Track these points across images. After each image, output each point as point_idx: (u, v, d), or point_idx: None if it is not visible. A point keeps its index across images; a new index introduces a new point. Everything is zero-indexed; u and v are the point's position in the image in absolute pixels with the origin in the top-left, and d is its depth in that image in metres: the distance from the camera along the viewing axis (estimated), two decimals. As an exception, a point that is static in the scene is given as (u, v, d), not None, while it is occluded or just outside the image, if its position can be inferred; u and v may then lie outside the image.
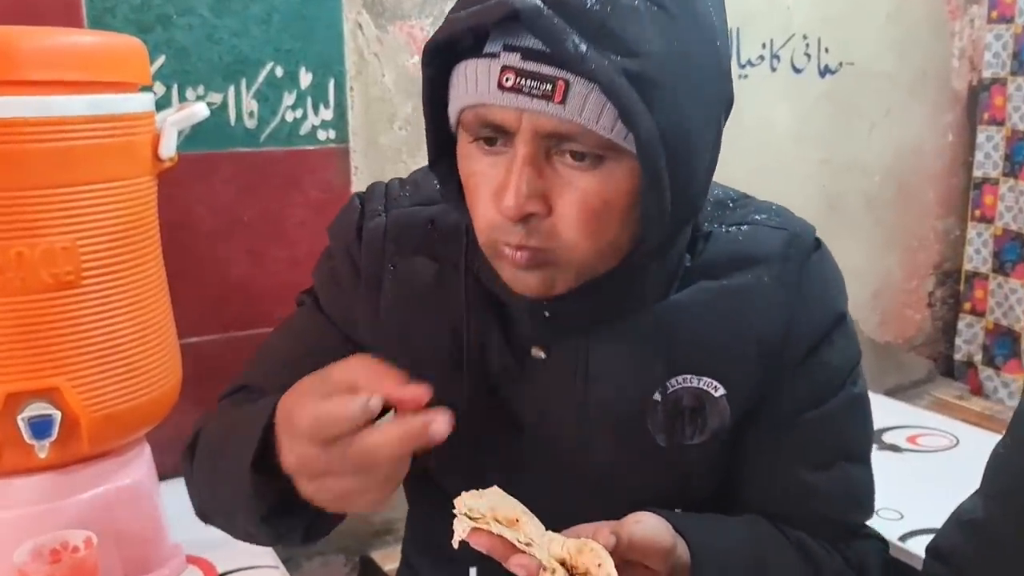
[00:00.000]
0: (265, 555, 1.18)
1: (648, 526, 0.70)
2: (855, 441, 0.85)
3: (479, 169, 0.71)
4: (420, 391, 0.62)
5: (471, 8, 0.66)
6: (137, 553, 1.09)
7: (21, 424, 0.96)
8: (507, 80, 0.66)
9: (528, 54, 0.65)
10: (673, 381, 0.79)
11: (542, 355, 0.80)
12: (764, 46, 1.91)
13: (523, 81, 0.65)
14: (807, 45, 1.98)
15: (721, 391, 0.79)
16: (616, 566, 0.65)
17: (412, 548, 1.02)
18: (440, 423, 0.61)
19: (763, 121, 1.95)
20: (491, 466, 0.79)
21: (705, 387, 0.79)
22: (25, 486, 1.01)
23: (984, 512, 0.72)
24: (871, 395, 0.87)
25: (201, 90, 1.32)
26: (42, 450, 0.98)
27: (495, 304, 0.81)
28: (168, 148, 1.07)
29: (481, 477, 0.72)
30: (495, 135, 0.69)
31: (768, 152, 1.96)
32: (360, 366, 0.63)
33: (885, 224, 2.16)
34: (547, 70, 0.65)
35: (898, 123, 2.11)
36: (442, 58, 0.70)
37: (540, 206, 0.68)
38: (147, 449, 1.15)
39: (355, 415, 0.60)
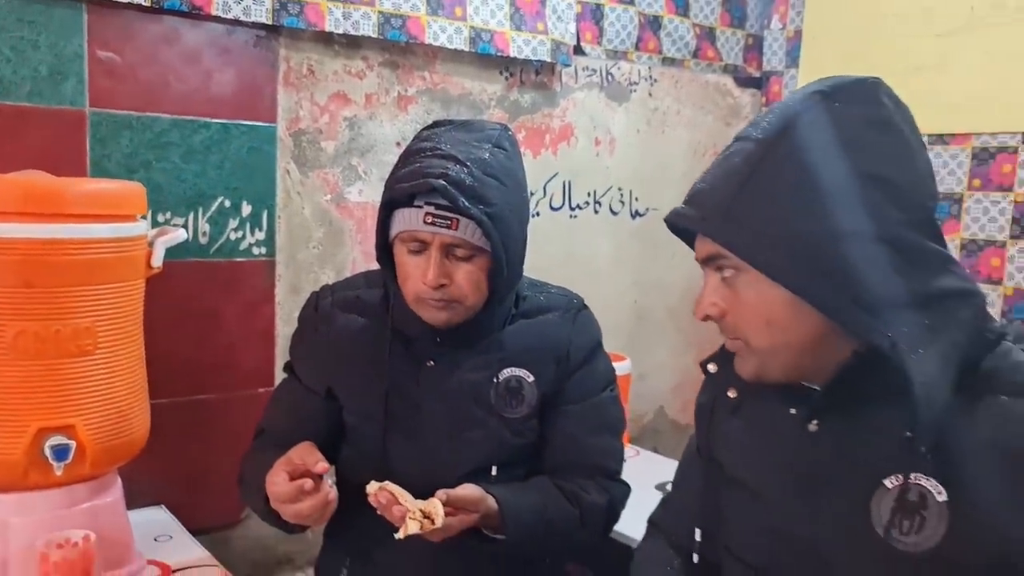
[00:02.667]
0: (203, 554, 1.58)
1: (466, 487, 1.21)
2: (614, 421, 1.43)
3: (411, 262, 1.28)
4: (325, 466, 1.21)
5: (409, 182, 1.24)
6: (114, 553, 1.47)
7: (47, 450, 1.35)
8: (428, 219, 1.24)
9: (439, 207, 1.23)
10: (504, 372, 1.34)
11: (432, 362, 1.35)
12: (589, 194, 2.43)
13: (436, 220, 1.23)
14: (622, 195, 2.50)
15: (532, 379, 1.35)
16: (450, 513, 1.14)
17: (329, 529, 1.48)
18: (333, 492, 1.21)
19: (588, 251, 2.45)
20: (399, 431, 1.33)
21: (523, 375, 1.34)
22: (43, 498, 1.39)
23: (672, 491, 1.24)
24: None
25: (169, 215, 1.76)
26: (59, 470, 1.37)
27: (403, 338, 1.35)
28: (158, 260, 1.51)
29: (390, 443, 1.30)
30: (420, 247, 1.26)
31: (592, 275, 2.44)
32: (301, 452, 1.24)
33: (684, 331, 2.66)
34: (448, 214, 1.22)
35: (692, 254, 2.69)
36: (386, 208, 1.27)
37: (446, 280, 1.25)
38: (118, 478, 1.54)
39: (293, 494, 1.18)
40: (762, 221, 0.87)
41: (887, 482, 0.88)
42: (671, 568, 1.12)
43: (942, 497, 0.84)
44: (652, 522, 1.23)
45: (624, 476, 1.46)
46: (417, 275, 1.26)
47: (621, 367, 2.20)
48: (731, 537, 1.04)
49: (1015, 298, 2.16)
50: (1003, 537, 0.82)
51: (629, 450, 2.32)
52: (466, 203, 1.20)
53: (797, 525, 0.95)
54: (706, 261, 0.96)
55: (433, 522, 1.15)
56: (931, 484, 0.85)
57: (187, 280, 1.80)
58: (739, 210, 0.88)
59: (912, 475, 0.86)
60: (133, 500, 1.57)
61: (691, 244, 1.01)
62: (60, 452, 1.37)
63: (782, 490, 0.98)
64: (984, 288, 2.21)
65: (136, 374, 1.50)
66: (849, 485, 0.91)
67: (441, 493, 1.17)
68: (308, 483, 1.19)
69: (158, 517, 1.74)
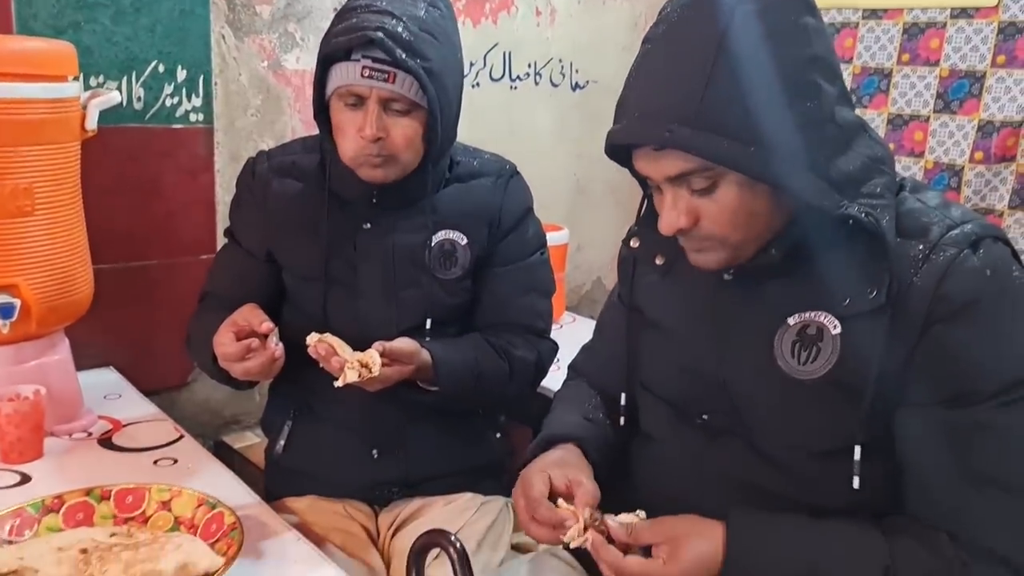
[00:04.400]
0: (153, 410, 1.65)
1: (401, 340, 1.27)
2: (544, 283, 1.50)
3: (347, 119, 1.30)
4: (270, 326, 1.26)
5: (345, 36, 1.25)
6: (64, 408, 1.53)
7: (-9, 309, 1.39)
8: (365, 72, 1.25)
9: (376, 59, 1.24)
10: (438, 234, 1.40)
11: (368, 225, 1.40)
12: (529, 65, 2.44)
13: (373, 73, 1.25)
14: (562, 66, 2.52)
15: (465, 240, 1.41)
16: (386, 364, 1.22)
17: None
18: (279, 349, 1.26)
19: (529, 123, 2.48)
20: (338, 292, 1.40)
21: (456, 238, 1.40)
22: (-9, 354, 1.44)
23: (593, 339, 1.33)
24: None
25: (101, 79, 1.74)
26: (5, 328, 1.40)
27: (339, 201, 1.40)
28: (92, 122, 1.51)
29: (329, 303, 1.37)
30: (357, 102, 1.28)
31: (532, 147, 2.46)
32: (245, 313, 1.28)
33: (622, 204, 2.72)
34: (385, 68, 1.24)
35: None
36: (322, 65, 1.28)
37: (383, 134, 1.27)
38: (66, 338, 1.58)
39: (240, 353, 1.23)
40: (735, 123, 0.87)
41: (790, 320, 0.97)
42: (590, 403, 1.22)
43: (836, 331, 0.94)
44: (572, 367, 1.32)
45: (561, 339, 1.55)
46: (354, 130, 1.29)
47: (559, 237, 2.28)
48: (649, 375, 1.13)
49: (934, 171, 2.26)
50: (880, 366, 0.92)
51: (567, 316, 2.43)
52: (403, 55, 1.23)
53: (708, 363, 1.04)
54: (673, 179, 0.93)
55: (371, 371, 1.22)
56: (828, 319, 0.95)
57: (124, 146, 1.79)
58: (709, 117, 0.87)
59: (812, 312, 0.95)
60: (82, 362, 1.62)
61: (624, 163, 1.00)
62: (5, 310, 1.40)
63: (696, 333, 1.06)
64: (906, 161, 2.31)
65: (76, 236, 1.52)
66: (755, 325, 1.00)
67: (378, 344, 1.24)
68: (255, 342, 1.25)
69: (108, 378, 1.79)
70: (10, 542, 1.13)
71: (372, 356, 1.22)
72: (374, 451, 1.44)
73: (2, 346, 1.44)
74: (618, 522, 0.95)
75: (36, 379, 1.45)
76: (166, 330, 1.86)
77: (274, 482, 1.53)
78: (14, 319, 1.41)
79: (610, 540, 0.95)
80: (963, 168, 2.20)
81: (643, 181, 1.03)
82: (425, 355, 1.30)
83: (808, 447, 0.96)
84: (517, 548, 1.48)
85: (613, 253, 1.23)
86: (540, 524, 0.99)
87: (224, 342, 1.26)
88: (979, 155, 2.17)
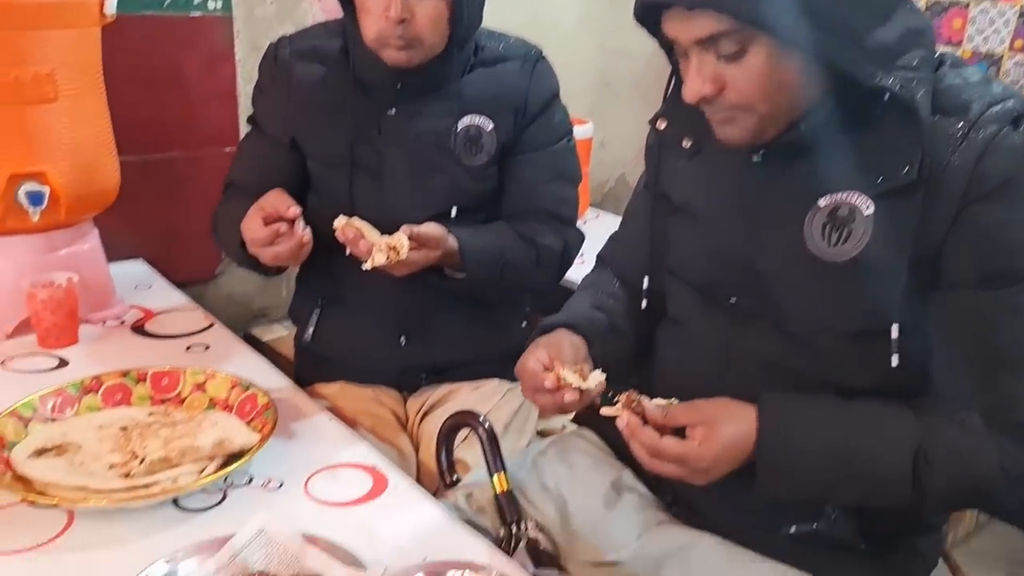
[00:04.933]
0: (183, 299, 1.67)
1: (428, 224, 1.27)
2: (570, 170, 1.49)
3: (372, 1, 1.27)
4: (297, 210, 1.26)
5: None
6: (97, 297, 1.56)
7: (22, 196, 1.40)
8: None
9: None
10: (463, 119, 1.38)
11: (392, 111, 1.38)
12: None
13: None
14: None
15: (491, 126, 1.39)
16: (413, 249, 1.22)
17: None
18: (308, 234, 1.26)
19: (553, 12, 2.42)
20: (364, 178, 1.40)
21: (482, 123, 1.39)
22: (23, 243, 1.45)
23: (620, 228, 1.32)
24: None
25: (118, -35, 1.70)
26: (35, 215, 1.42)
27: (363, 86, 1.38)
28: (111, 7, 1.48)
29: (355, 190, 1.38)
30: None
31: (556, 38, 2.35)
32: (272, 198, 1.27)
33: (648, 99, 2.65)
34: None
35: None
36: None
37: (408, 15, 1.25)
38: (95, 228, 1.59)
39: (269, 238, 1.24)
40: None
41: (821, 202, 0.95)
42: (605, 291, 1.22)
43: (869, 211, 0.92)
44: (600, 256, 1.32)
45: (584, 234, 1.54)
46: (379, 11, 1.26)
47: (583, 131, 2.24)
48: (675, 260, 1.13)
49: (972, 60, 2.19)
50: (913, 247, 0.91)
51: (590, 212, 2.42)
52: None
53: (737, 247, 1.03)
54: (703, 42, 0.90)
55: (399, 254, 1.22)
56: (860, 200, 0.93)
57: (144, 35, 1.77)
58: None
59: (844, 193, 0.94)
60: (112, 253, 1.64)
61: (652, 30, 0.97)
62: (34, 198, 1.41)
63: (725, 216, 1.05)
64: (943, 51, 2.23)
65: (101, 124, 1.52)
66: (785, 208, 0.99)
67: (405, 228, 1.24)
68: (283, 227, 1.26)
69: (138, 269, 1.81)
70: (53, 420, 1.16)
71: (400, 239, 1.22)
72: (402, 338, 1.46)
73: (33, 234, 1.46)
74: (654, 404, 0.96)
75: (68, 267, 1.47)
76: (192, 223, 1.87)
77: (304, 369, 1.56)
78: (43, 207, 1.42)
79: (644, 423, 0.96)
80: (1002, 57, 2.13)
81: (670, 53, 1.01)
82: (452, 240, 1.30)
83: (838, 329, 0.96)
84: (542, 434, 1.51)
85: (638, 149, 1.20)
86: (538, 391, 1.02)
87: (253, 227, 1.27)
88: (1019, 43, 2.10)
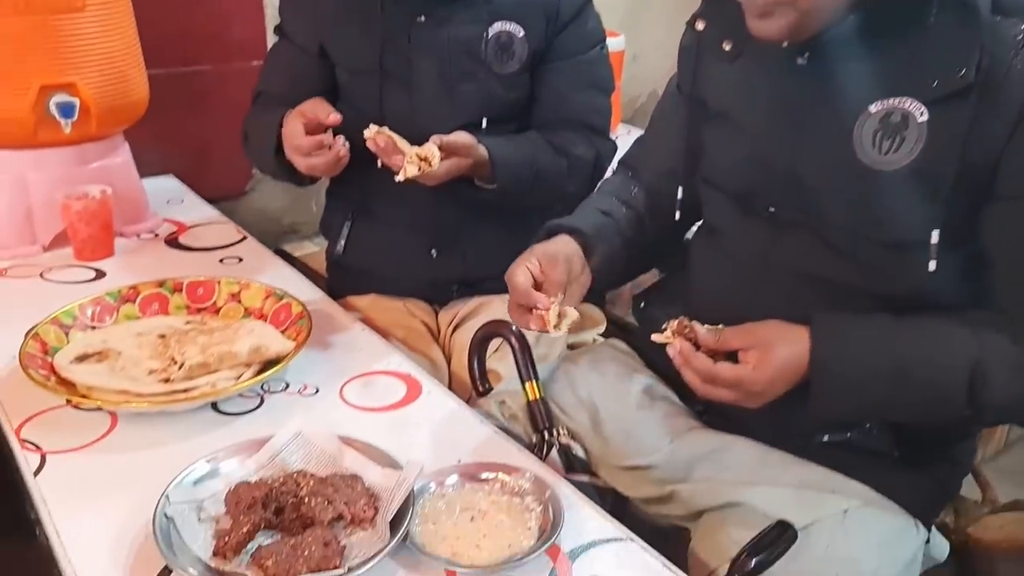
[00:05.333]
0: (215, 213, 1.68)
1: (458, 133, 1.25)
2: (603, 79, 1.45)
3: None
4: (337, 117, 1.25)
5: None
6: (130, 210, 1.57)
7: (53, 108, 1.40)
8: None
9: None
10: (494, 26, 1.35)
11: (422, 18, 1.35)
12: None
13: None
14: None
15: (522, 33, 1.36)
16: (444, 158, 1.21)
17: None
18: (345, 148, 1.26)
19: None
20: (393, 86, 1.37)
21: (513, 30, 1.36)
22: (56, 155, 1.46)
23: (647, 131, 1.29)
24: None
25: None
26: (67, 127, 1.42)
27: None
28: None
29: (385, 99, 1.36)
30: None
31: None
32: (311, 105, 1.27)
33: (683, 10, 2.65)
34: None
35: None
36: None
37: None
38: (126, 142, 1.60)
39: (311, 147, 1.25)
40: None
41: (872, 107, 0.92)
42: (620, 196, 1.19)
43: (923, 117, 0.89)
44: (623, 161, 1.29)
45: (616, 145, 1.51)
46: None
47: (615, 44, 2.18)
48: (712, 168, 1.11)
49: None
50: (968, 154, 0.88)
51: (621, 128, 2.37)
52: None
53: (779, 154, 1.00)
54: None
55: (430, 164, 1.21)
56: (914, 105, 0.90)
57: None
58: None
59: (896, 99, 0.91)
60: (144, 169, 1.64)
61: None
62: (65, 109, 1.41)
63: (767, 123, 1.02)
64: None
65: (129, 35, 1.50)
66: (833, 114, 0.95)
67: (435, 137, 1.23)
68: (328, 138, 1.27)
69: (169, 184, 1.82)
70: (93, 328, 1.18)
71: (431, 149, 1.21)
72: (432, 250, 1.45)
73: (66, 147, 1.46)
74: (706, 328, 0.94)
75: (101, 180, 1.48)
76: (222, 138, 1.86)
77: (336, 282, 1.57)
78: (74, 119, 1.42)
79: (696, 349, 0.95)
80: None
81: None
82: (482, 150, 1.29)
83: (883, 237, 0.94)
84: (572, 348, 1.52)
85: (672, 62, 1.16)
86: (517, 308, 1.01)
87: (295, 133, 1.27)
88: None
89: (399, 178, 1.21)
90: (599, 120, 1.45)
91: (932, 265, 0.90)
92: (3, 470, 1.02)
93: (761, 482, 1.00)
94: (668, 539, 1.03)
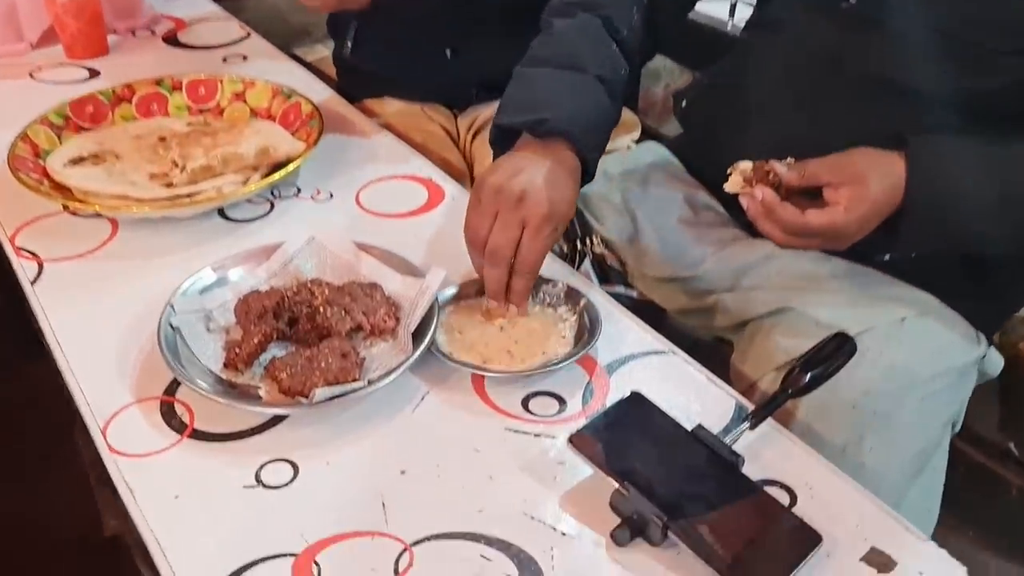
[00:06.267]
0: (216, 9, 1.54)
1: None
2: None
3: None
4: None
5: None
6: (121, 2, 1.43)
7: None
8: None
9: None
10: None
11: None
12: None
13: None
14: None
15: None
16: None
17: None
18: None
19: None
20: None
21: None
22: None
23: None
24: None
25: None
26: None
27: None
28: None
29: None
30: None
31: None
32: None
33: None
34: None
35: None
36: None
37: None
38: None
39: None
40: None
41: None
42: (623, 36, 0.96)
43: None
44: None
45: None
46: None
47: None
48: None
49: None
50: None
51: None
52: None
53: None
54: None
55: None
56: None
57: None
58: None
59: None
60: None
61: None
62: None
63: None
64: None
65: None
66: None
67: None
68: None
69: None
70: (86, 129, 1.09)
71: None
72: (447, 50, 1.32)
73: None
74: (786, 165, 0.79)
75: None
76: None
77: (347, 86, 1.45)
78: None
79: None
80: None
81: None
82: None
83: (969, 38, 0.81)
84: (605, 154, 1.41)
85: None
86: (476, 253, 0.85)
87: None
88: None
89: None
90: None
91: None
92: (6, 285, 0.96)
93: (813, 288, 0.92)
94: (708, 353, 0.97)
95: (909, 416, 0.83)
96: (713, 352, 1.03)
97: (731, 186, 0.80)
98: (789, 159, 0.80)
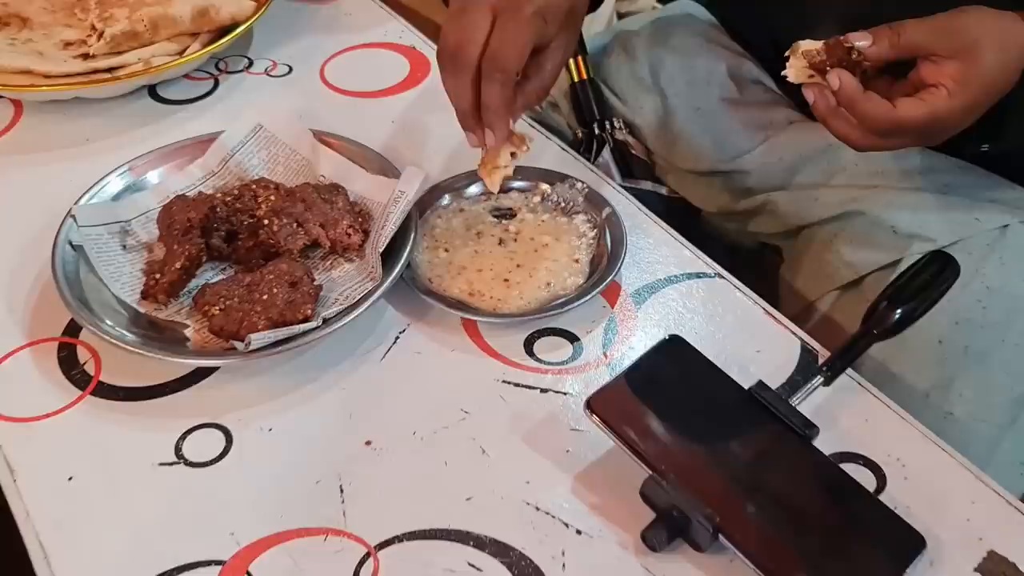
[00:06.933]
0: None
1: None
2: None
3: None
4: None
5: None
6: None
7: None
8: None
9: None
10: None
11: None
12: None
13: None
14: None
15: None
16: None
17: None
18: None
19: None
20: None
21: None
22: None
23: None
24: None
25: None
26: None
27: None
28: None
29: None
30: None
31: None
32: None
33: None
34: None
35: None
36: None
37: None
38: None
39: None
40: None
41: None
42: None
43: None
44: None
45: None
46: None
47: None
48: None
49: None
50: None
51: None
52: None
53: None
54: None
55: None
56: None
57: None
58: None
59: None
60: None
61: None
62: None
63: None
64: None
65: None
66: None
67: None
68: None
69: None
70: (-12, -15, 0.88)
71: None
72: None
73: None
74: (868, 35, 0.57)
75: None
76: None
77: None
78: None
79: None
80: None
81: None
82: None
83: None
84: (625, 16, 1.20)
85: None
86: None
87: None
88: None
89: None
90: None
91: None
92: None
93: (889, 187, 0.73)
94: (747, 263, 0.80)
95: (1011, 352, 0.66)
96: (755, 261, 0.86)
97: (794, 74, 0.59)
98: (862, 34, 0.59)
